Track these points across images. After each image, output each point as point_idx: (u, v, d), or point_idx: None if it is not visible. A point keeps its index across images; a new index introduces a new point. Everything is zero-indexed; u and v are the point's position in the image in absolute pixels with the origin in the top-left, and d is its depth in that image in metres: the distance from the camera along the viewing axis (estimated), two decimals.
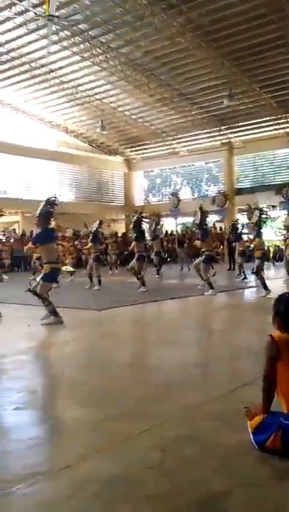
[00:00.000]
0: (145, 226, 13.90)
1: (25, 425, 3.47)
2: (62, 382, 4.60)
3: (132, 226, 13.49)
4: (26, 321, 7.92)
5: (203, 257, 11.39)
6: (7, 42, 20.06)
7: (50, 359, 5.71)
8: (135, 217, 13.01)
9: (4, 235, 23.21)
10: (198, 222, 11.82)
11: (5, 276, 13.72)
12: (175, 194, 25.71)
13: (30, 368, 5.21)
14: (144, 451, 2.95)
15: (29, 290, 7.66)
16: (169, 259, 24.89)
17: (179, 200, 25.06)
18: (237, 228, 16.29)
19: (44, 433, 3.38)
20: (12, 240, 22.47)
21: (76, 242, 22.60)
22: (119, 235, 24.91)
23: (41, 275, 7.88)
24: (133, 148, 29.78)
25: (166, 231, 25.46)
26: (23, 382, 4.53)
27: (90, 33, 18.99)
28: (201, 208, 12.02)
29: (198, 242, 12.63)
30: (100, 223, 13.89)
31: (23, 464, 2.80)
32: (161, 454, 2.90)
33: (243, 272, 14.77)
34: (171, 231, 26.16)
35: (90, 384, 4.42)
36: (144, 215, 13.94)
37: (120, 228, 27.46)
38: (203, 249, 11.62)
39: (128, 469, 2.73)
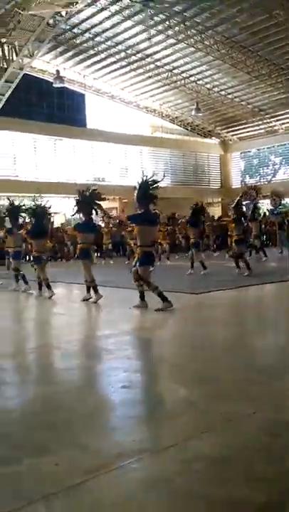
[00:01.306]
0: (244, 208, 13.50)
1: (132, 403, 3.60)
2: (164, 363, 4.69)
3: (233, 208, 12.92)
4: (127, 303, 8.15)
5: None
6: (103, 31, 20.50)
7: (152, 340, 5.84)
8: (237, 199, 12.61)
9: (104, 220, 23.88)
10: None
11: (110, 261, 14.17)
12: None
13: (133, 349, 5.37)
14: (251, 433, 2.93)
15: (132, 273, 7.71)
16: (268, 242, 24.14)
17: None
18: None
19: (150, 411, 3.48)
20: (111, 226, 23.12)
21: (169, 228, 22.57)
22: (215, 218, 24.61)
23: (136, 260, 7.66)
24: (229, 129, 29.15)
25: (265, 213, 24.68)
26: (127, 362, 4.69)
27: (184, 14, 18.77)
28: None
29: None
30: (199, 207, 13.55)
31: (131, 440, 2.92)
32: (270, 439, 2.86)
33: None
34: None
35: (191, 365, 4.47)
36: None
37: (216, 212, 27.14)
38: None
39: (234, 450, 2.73)
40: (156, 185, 7.76)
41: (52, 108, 23.14)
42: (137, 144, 26.67)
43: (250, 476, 2.47)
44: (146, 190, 7.71)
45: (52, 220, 16.61)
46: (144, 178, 7.82)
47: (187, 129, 29.15)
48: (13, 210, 10.94)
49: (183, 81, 24.37)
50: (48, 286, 9.23)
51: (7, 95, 20.17)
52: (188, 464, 2.62)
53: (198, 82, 24.35)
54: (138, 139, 26.73)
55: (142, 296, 7.48)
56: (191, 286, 10.00)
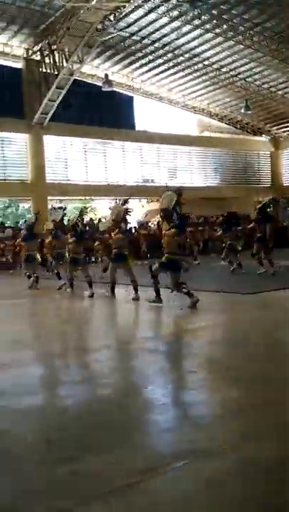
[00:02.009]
0: None
1: (185, 404, 3.61)
2: (220, 364, 4.65)
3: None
4: (179, 304, 8.14)
5: None
6: (151, 33, 20.60)
7: (203, 341, 5.81)
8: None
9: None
10: None
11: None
12: None
13: (185, 350, 5.37)
14: None
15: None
16: None
17: None
18: None
19: (205, 412, 3.47)
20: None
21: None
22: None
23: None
24: (280, 126, 28.53)
25: None
26: (180, 363, 4.70)
27: (232, 11, 18.56)
28: None
29: None
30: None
31: (188, 441, 2.93)
32: None
33: None
34: None
35: (243, 367, 4.42)
36: None
37: None
38: None
39: None
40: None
41: (101, 111, 23.50)
42: (186, 145, 26.59)
43: None
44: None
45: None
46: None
47: (236, 128, 28.77)
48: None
49: (231, 79, 24.09)
50: (90, 285, 9.77)
51: (58, 101, 20.66)
52: (244, 466, 2.60)
53: (247, 80, 24.01)
54: (186, 139, 26.65)
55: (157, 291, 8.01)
56: (236, 287, 9.83)
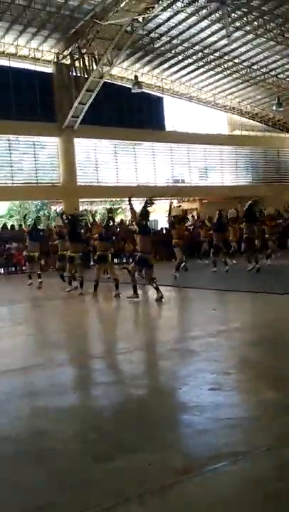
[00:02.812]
0: None
1: (221, 405, 3.56)
2: (252, 365, 4.59)
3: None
4: (212, 305, 8.09)
5: None
6: (180, 33, 20.56)
7: (237, 343, 5.74)
8: None
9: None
10: None
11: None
12: None
13: (220, 351, 5.31)
14: None
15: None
16: None
17: None
18: None
19: (241, 414, 3.42)
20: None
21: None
22: None
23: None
24: None
25: None
26: (214, 364, 4.65)
27: (263, 8, 18.32)
28: None
29: None
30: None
31: (224, 442, 2.89)
32: None
33: None
34: None
35: (280, 368, 4.34)
36: None
37: None
38: None
39: None
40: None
41: (130, 113, 23.57)
42: (216, 144, 26.37)
43: None
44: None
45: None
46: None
47: (268, 125, 28.37)
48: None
49: (262, 76, 23.79)
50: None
51: (88, 104, 20.84)
52: (281, 469, 2.54)
53: (278, 76, 23.67)
54: (217, 139, 26.44)
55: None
56: (267, 286, 9.65)
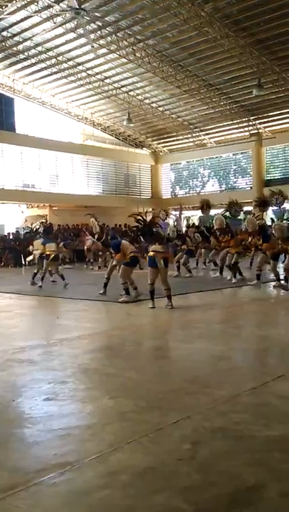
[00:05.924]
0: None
1: (55, 416, 3.48)
2: (92, 374, 4.60)
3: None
4: (55, 313, 7.98)
5: None
6: (34, 36, 20.20)
7: (79, 351, 5.71)
8: None
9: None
10: None
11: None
12: None
13: (59, 359, 5.22)
14: (175, 443, 2.92)
15: None
16: None
17: None
18: None
19: (74, 423, 3.37)
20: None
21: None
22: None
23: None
24: (160, 141, 29.64)
25: (192, 224, 25.19)
26: (52, 373, 4.55)
27: (117, 25, 18.90)
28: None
29: None
30: None
31: (54, 454, 2.81)
32: (193, 446, 2.86)
33: None
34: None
35: (120, 375, 4.42)
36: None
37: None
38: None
39: (159, 461, 2.71)
40: None
41: None
42: (68, 151, 26.37)
43: (175, 485, 2.45)
44: None
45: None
46: None
47: (119, 139, 29.28)
48: None
49: (115, 91, 24.47)
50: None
51: None
52: (112, 475, 2.56)
53: (129, 93, 24.55)
54: (69, 146, 26.44)
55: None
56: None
